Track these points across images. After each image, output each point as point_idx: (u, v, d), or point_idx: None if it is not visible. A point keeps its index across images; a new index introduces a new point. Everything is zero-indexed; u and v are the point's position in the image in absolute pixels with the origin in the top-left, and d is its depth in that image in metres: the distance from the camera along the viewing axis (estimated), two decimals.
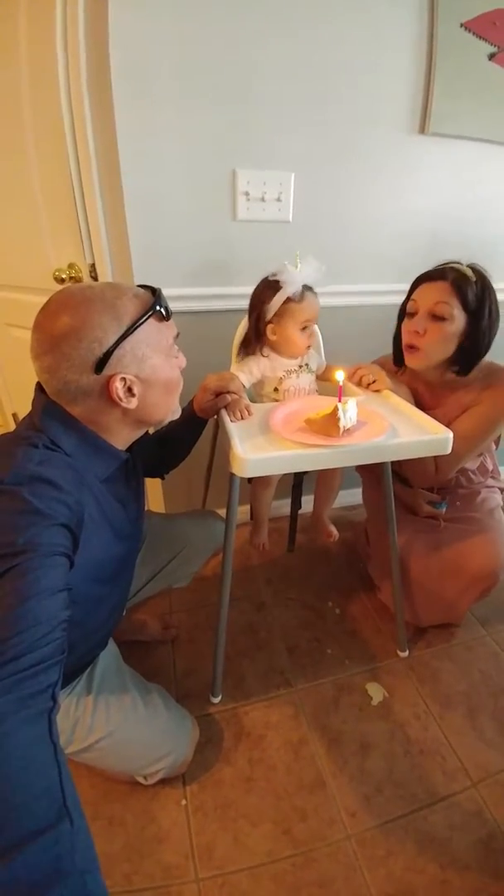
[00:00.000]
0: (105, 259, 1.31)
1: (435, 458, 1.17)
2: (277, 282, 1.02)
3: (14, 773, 0.45)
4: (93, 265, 1.34)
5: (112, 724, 0.90)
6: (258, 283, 1.09)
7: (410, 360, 1.13)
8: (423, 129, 1.32)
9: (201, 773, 1.07)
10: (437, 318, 1.05)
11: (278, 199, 1.31)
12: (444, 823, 0.98)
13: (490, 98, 1.32)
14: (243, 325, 1.15)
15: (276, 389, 1.11)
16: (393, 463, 1.18)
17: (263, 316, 1.06)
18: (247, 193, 1.28)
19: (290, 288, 1.01)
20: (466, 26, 1.22)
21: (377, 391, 1.10)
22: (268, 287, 1.04)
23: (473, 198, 1.49)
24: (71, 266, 1.37)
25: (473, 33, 1.23)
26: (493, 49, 1.26)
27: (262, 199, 1.30)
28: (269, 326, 1.07)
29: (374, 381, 1.10)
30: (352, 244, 1.45)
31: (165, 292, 0.77)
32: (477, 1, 1.21)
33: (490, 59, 1.27)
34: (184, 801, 1.02)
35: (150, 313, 0.71)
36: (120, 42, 1.05)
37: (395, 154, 1.36)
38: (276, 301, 1.03)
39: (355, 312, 1.52)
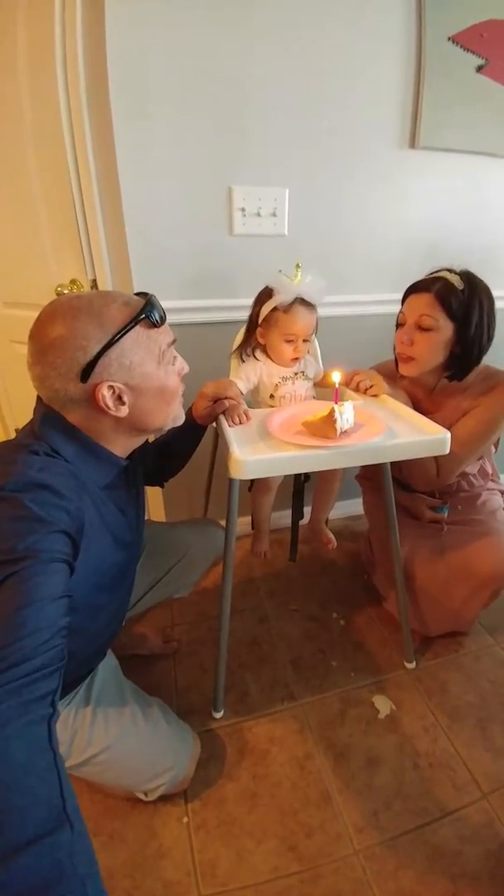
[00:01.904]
0: (106, 274, 1.34)
1: (436, 461, 1.17)
2: (271, 290, 1.04)
3: (14, 778, 0.45)
4: (94, 281, 1.37)
5: (111, 737, 0.88)
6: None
7: (403, 369, 1.15)
8: (413, 144, 1.36)
9: (204, 789, 1.04)
10: (423, 328, 1.07)
11: (273, 214, 1.34)
12: (454, 836, 0.95)
13: (479, 110, 1.36)
14: (241, 334, 1.17)
15: (272, 396, 1.12)
16: (393, 469, 1.18)
17: (255, 319, 1.08)
18: (243, 209, 1.32)
19: (279, 297, 1.02)
20: (454, 40, 1.25)
21: (375, 396, 1.11)
22: (265, 292, 1.07)
23: (466, 208, 1.52)
24: (73, 282, 1.40)
25: (461, 46, 1.26)
26: (481, 61, 1.29)
27: (258, 215, 1.33)
28: (259, 330, 1.09)
29: (371, 386, 1.11)
30: (347, 255, 1.48)
31: (165, 305, 0.77)
32: (464, 14, 1.25)
33: (478, 72, 1.31)
34: (185, 819, 0.99)
35: (135, 321, 0.70)
36: (117, 65, 1.10)
37: (386, 168, 1.40)
38: (265, 309, 1.05)
39: (353, 322, 1.54)
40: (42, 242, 1.41)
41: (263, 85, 1.22)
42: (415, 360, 1.11)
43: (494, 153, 1.44)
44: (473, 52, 1.28)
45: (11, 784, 0.44)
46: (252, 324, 1.12)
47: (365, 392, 1.12)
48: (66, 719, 0.87)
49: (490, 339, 1.09)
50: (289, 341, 1.07)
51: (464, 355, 1.09)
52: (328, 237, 1.44)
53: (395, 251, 1.51)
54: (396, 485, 1.31)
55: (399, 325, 1.15)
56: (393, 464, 1.14)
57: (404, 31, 1.25)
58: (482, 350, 1.09)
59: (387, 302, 1.45)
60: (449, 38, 1.25)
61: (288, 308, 1.03)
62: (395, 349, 1.19)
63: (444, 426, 0.93)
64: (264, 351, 1.13)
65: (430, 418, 0.97)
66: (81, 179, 1.24)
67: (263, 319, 1.07)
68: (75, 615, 0.62)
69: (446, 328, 1.06)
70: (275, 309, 1.04)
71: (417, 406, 1.18)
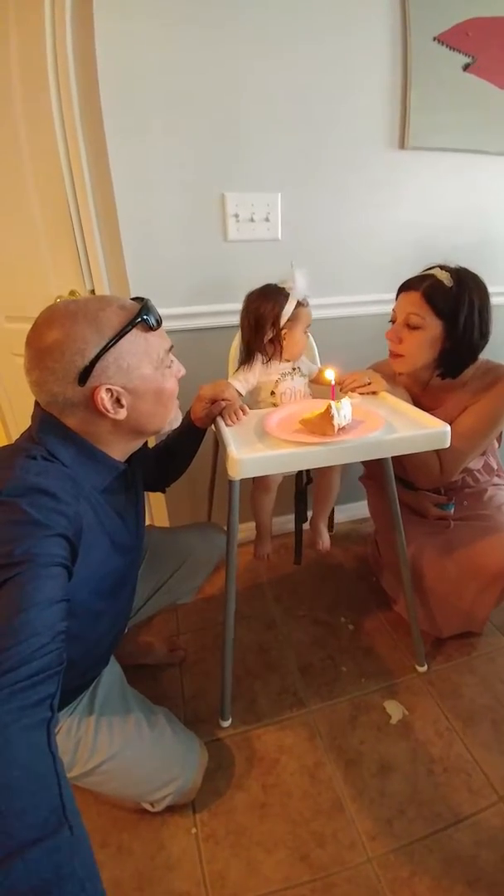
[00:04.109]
0: (104, 284, 1.36)
1: (439, 457, 1.16)
2: (284, 290, 1.06)
3: (14, 781, 0.45)
4: (92, 291, 1.39)
5: (115, 746, 0.87)
6: (254, 295, 1.10)
7: (395, 365, 1.16)
8: (402, 145, 1.37)
9: (212, 800, 1.02)
10: (411, 326, 1.08)
11: (266, 219, 1.36)
12: (470, 841, 0.92)
13: (467, 109, 1.36)
14: (237, 339, 1.18)
15: (272, 393, 1.12)
16: (398, 468, 1.17)
17: (278, 323, 1.07)
18: (236, 215, 1.33)
19: (297, 293, 1.05)
20: (439, 39, 1.26)
21: (374, 393, 1.10)
22: (278, 295, 1.07)
23: (457, 205, 1.53)
24: (72, 293, 1.42)
25: (447, 46, 1.27)
26: (467, 60, 1.30)
27: (252, 220, 1.35)
28: (284, 332, 1.09)
29: (368, 384, 1.10)
30: (342, 257, 1.49)
31: (162, 312, 0.78)
32: (448, 13, 1.25)
33: (465, 70, 1.31)
34: (194, 830, 0.97)
35: (132, 324, 0.71)
36: (108, 78, 1.12)
37: (376, 170, 1.41)
38: (290, 306, 1.06)
39: (350, 322, 1.54)
40: (41, 256, 1.43)
41: (253, 94, 1.23)
42: (404, 357, 1.12)
43: (484, 150, 1.44)
44: (460, 50, 1.28)
45: (11, 787, 0.44)
46: (275, 328, 1.08)
47: (363, 389, 1.11)
48: (69, 728, 0.86)
49: (483, 336, 1.08)
50: (306, 332, 1.12)
51: (455, 352, 1.09)
52: (322, 239, 1.45)
53: (389, 251, 1.51)
54: (401, 483, 1.30)
55: (390, 322, 1.15)
56: (396, 463, 1.13)
57: (389, 35, 1.27)
58: (474, 347, 1.09)
59: (382, 301, 1.44)
60: (434, 38, 1.25)
61: (305, 301, 1.08)
62: None
63: (445, 419, 0.92)
64: (262, 352, 1.13)
65: (432, 415, 0.96)
66: (77, 193, 1.26)
67: (288, 319, 1.07)
68: (74, 621, 0.62)
69: (433, 326, 1.06)
70: (298, 304, 1.07)
71: (417, 403, 1.17)
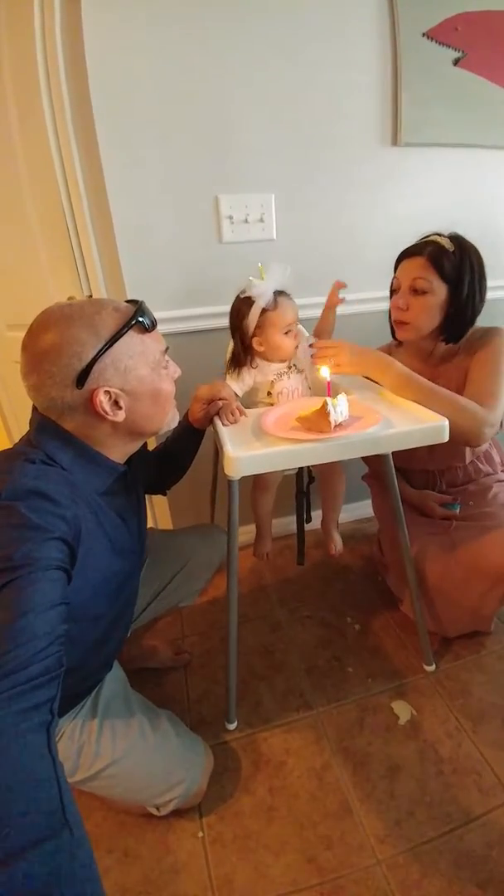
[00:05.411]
0: (101, 289, 1.37)
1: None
2: (249, 298, 1.04)
3: (14, 784, 0.45)
4: (90, 296, 1.40)
5: (119, 751, 0.86)
6: (234, 303, 1.11)
7: (401, 334, 1.15)
8: (395, 141, 1.37)
9: (218, 803, 1.01)
10: (418, 292, 1.08)
11: (261, 220, 1.36)
12: (481, 841, 0.90)
13: (459, 103, 1.36)
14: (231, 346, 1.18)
15: (269, 393, 1.12)
16: (414, 461, 1.14)
17: (246, 332, 1.07)
18: (230, 217, 1.34)
19: (261, 300, 1.03)
20: (429, 35, 1.27)
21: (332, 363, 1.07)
22: (242, 304, 1.07)
23: (452, 200, 1.53)
24: (70, 299, 1.43)
25: (436, 41, 1.28)
26: (457, 54, 1.31)
27: (246, 221, 1.35)
28: (255, 340, 1.09)
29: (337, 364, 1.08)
30: (338, 255, 1.49)
31: (159, 315, 0.78)
32: (437, 9, 1.26)
33: (455, 65, 1.32)
34: (201, 834, 0.96)
35: (128, 326, 0.71)
36: (99, 83, 1.13)
37: (370, 167, 1.41)
38: (253, 315, 1.05)
39: (347, 321, 1.52)
40: (40, 264, 1.44)
41: (244, 96, 1.24)
42: (411, 324, 1.11)
43: (478, 144, 1.44)
44: (449, 45, 1.28)
45: (11, 789, 0.44)
46: (244, 339, 1.09)
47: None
48: (72, 733, 0.85)
49: (482, 299, 1.09)
50: (287, 332, 1.09)
51: (458, 316, 1.09)
52: (317, 239, 1.45)
53: (386, 248, 1.48)
54: (405, 482, 1.29)
55: (392, 291, 1.15)
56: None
57: (378, 31, 1.27)
58: (476, 310, 1.09)
59: (380, 299, 1.44)
60: (423, 34, 1.26)
61: (274, 304, 1.05)
62: (390, 317, 1.19)
63: (450, 388, 0.93)
64: (259, 357, 1.12)
65: (435, 383, 0.96)
66: (72, 200, 1.28)
67: (256, 326, 1.07)
68: (75, 625, 0.62)
69: (440, 290, 1.07)
70: (263, 311, 1.05)
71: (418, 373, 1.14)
